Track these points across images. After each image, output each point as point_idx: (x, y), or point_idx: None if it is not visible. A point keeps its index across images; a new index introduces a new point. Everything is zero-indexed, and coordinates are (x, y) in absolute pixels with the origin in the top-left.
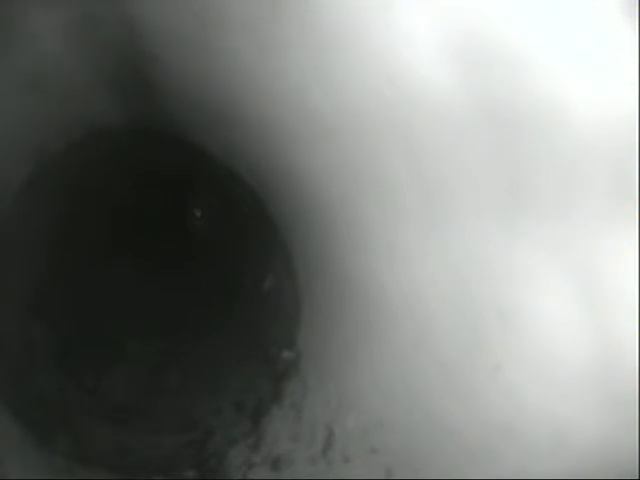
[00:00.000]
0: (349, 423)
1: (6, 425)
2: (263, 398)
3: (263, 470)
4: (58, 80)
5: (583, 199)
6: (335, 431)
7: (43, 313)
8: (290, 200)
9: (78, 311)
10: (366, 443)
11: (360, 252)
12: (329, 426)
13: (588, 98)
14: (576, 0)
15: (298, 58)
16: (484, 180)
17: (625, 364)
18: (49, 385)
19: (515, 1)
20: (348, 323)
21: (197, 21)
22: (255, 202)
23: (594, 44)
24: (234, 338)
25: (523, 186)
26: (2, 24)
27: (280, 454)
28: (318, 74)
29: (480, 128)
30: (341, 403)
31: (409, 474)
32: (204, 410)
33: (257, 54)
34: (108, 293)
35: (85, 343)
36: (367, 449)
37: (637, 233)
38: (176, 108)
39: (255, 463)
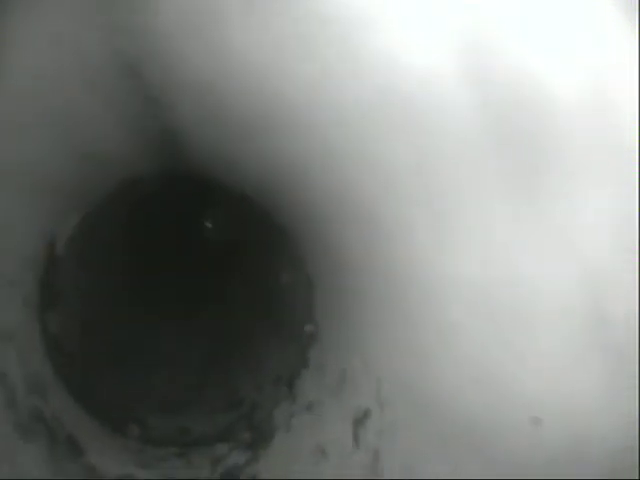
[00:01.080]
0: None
1: (87, 421)
2: (295, 367)
3: (301, 414)
4: (95, 141)
5: (585, 199)
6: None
7: (100, 333)
8: (299, 211)
9: (129, 328)
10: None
11: (360, 246)
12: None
13: (588, 98)
14: (576, 0)
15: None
16: (487, 181)
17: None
18: (116, 386)
19: (514, 2)
20: (353, 300)
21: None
22: (266, 215)
23: (594, 44)
24: (266, 329)
25: (526, 187)
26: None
27: (312, 400)
28: (322, 90)
29: (484, 131)
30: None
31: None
32: (249, 389)
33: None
34: (153, 313)
35: (137, 350)
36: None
37: (637, 232)
38: (194, 154)
39: (295, 412)
